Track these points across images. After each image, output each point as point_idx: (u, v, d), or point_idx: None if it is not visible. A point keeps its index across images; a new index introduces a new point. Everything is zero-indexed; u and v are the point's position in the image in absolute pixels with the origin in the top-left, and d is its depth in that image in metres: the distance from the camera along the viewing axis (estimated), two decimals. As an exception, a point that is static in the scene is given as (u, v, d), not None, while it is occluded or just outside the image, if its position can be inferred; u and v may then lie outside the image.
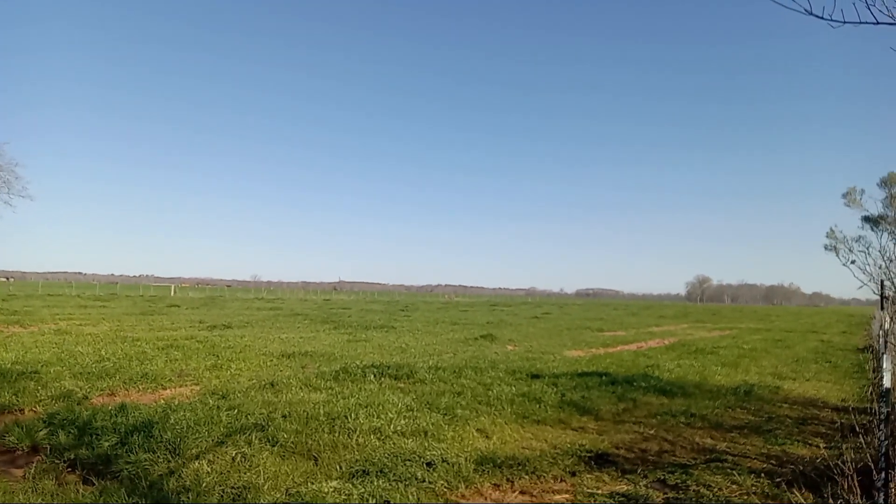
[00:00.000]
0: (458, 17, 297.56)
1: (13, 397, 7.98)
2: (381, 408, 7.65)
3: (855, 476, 4.43)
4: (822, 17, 2.94)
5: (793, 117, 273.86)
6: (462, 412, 7.77)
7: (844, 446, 6.13)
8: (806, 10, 2.87)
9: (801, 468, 5.82)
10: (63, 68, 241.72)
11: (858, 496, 4.32)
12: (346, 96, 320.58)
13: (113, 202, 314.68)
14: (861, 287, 12.71)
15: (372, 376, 10.36)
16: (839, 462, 4.68)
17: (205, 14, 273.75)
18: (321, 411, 7.30)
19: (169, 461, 5.45)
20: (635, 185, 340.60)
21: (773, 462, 6.26)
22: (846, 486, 4.44)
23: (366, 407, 7.66)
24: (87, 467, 5.46)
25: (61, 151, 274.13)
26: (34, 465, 5.48)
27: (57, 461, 5.59)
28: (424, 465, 5.52)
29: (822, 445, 6.71)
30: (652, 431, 7.56)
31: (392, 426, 6.83)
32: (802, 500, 4.58)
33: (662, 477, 5.68)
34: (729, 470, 5.84)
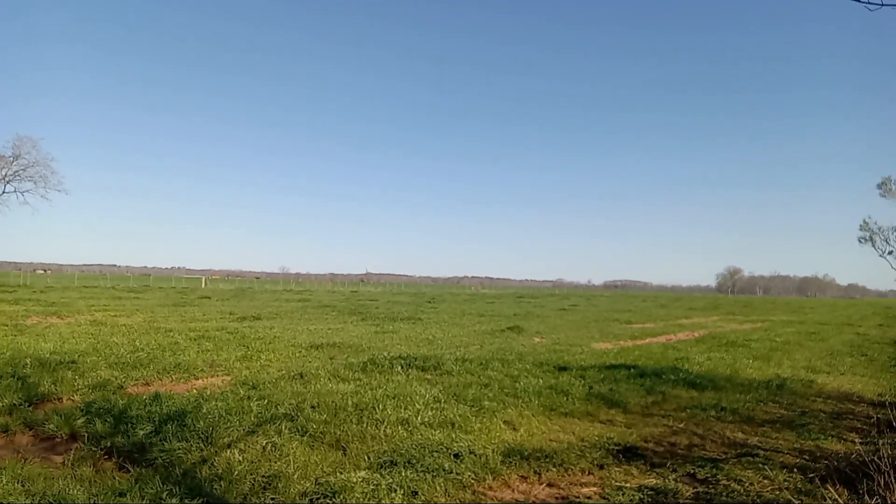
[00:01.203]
0: (483, 9, 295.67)
1: (52, 386, 8.20)
2: (408, 399, 7.69)
3: (892, 472, 4.33)
4: (858, 0, 2.84)
5: (826, 106, 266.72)
6: (489, 404, 7.77)
7: (881, 442, 5.99)
8: (842, -7, 2.79)
9: (836, 463, 5.67)
10: (94, 62, 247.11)
11: (895, 493, 4.22)
12: (374, 89, 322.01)
13: (146, 196, 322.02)
14: (898, 278, 12.32)
15: (399, 368, 10.42)
16: (875, 458, 4.57)
17: (234, 8, 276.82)
18: (349, 402, 7.36)
19: (202, 450, 5.56)
20: (664, 176, 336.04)
21: (807, 457, 6.13)
22: (882, 483, 4.34)
23: (393, 398, 7.70)
24: (122, 455, 5.60)
25: (95, 145, 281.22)
26: (72, 452, 5.65)
27: (94, 449, 5.75)
28: (452, 457, 5.54)
29: (857, 441, 6.55)
30: (681, 425, 7.47)
31: (419, 417, 6.86)
32: (836, 496, 4.49)
33: (692, 471, 5.61)
34: (760, 465, 5.73)
